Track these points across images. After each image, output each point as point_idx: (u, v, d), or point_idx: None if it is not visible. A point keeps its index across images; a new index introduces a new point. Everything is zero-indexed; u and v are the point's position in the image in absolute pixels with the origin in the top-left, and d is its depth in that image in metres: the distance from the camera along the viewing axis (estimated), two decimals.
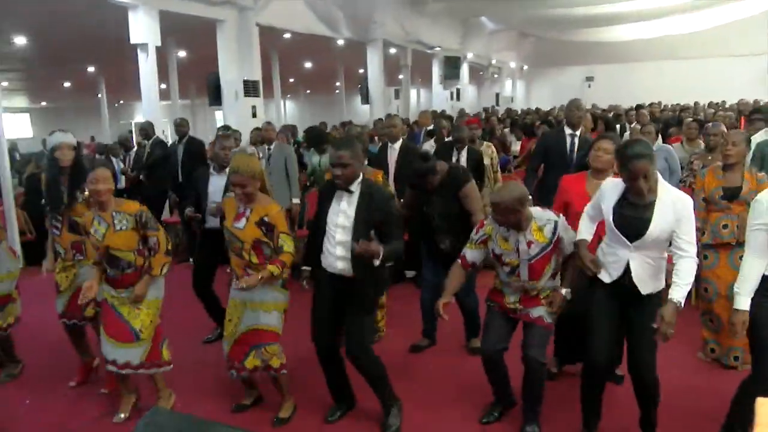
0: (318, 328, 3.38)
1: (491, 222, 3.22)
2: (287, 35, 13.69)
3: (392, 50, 17.22)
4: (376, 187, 3.40)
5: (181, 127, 7.40)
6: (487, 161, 6.07)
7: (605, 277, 2.98)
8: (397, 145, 5.80)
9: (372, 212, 3.21)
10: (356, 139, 3.61)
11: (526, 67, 28.12)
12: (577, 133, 5.17)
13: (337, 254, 3.27)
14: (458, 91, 19.57)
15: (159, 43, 9.25)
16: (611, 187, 2.96)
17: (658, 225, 2.78)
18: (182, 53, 14.62)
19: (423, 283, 4.47)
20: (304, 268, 3.50)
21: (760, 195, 2.87)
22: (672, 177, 5.45)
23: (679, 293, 2.75)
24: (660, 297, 2.96)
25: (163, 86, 13.91)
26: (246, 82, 10.57)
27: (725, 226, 3.93)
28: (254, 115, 10.38)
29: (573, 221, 3.23)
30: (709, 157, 4.94)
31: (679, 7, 19.05)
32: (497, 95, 24.61)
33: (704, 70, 23.41)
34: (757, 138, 5.32)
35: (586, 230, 3.11)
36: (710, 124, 5.58)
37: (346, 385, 3.54)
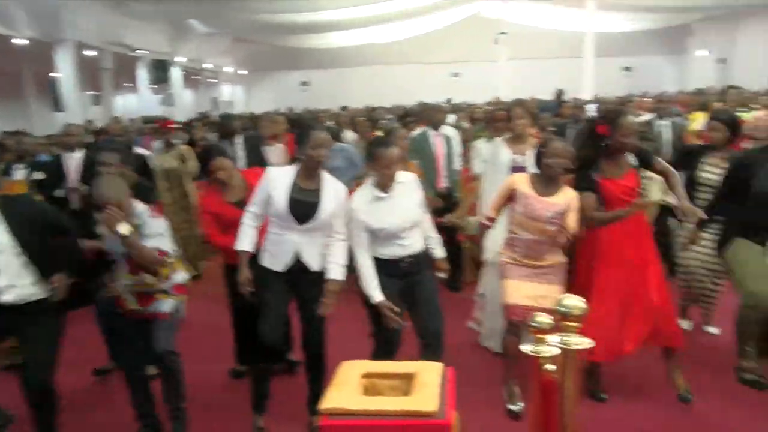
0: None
1: None
2: None
3: (90, 52, 15.79)
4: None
5: None
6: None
7: (277, 266, 3.13)
8: (78, 154, 5.33)
9: (24, 218, 2.97)
10: None
11: (245, 72, 28.19)
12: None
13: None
14: (170, 95, 18.77)
15: None
16: (281, 176, 3.13)
17: (325, 209, 3.07)
18: None
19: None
20: None
21: None
22: (351, 170, 5.92)
23: (338, 272, 3.12)
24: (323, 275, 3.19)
25: None
26: None
27: None
28: None
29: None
30: None
31: (383, 17, 20.85)
32: (214, 99, 24.21)
33: (401, 75, 25.97)
34: (413, 134, 6.01)
35: (249, 239, 3.17)
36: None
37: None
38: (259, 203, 3.15)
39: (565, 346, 1.79)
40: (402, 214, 3.15)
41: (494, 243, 3.80)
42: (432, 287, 3.31)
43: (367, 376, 2.34)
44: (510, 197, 3.37)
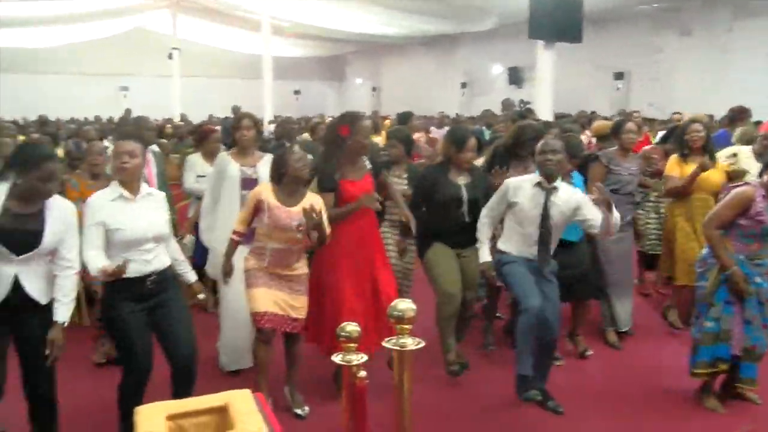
0: None
1: None
2: None
3: None
4: None
5: None
6: None
7: None
8: None
9: None
10: None
11: None
12: None
13: None
14: None
15: None
16: None
17: (50, 236, 2.70)
18: None
19: None
20: None
21: None
22: None
23: (64, 313, 2.74)
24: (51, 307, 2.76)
25: None
26: None
27: None
28: None
29: None
30: None
31: (36, 19, 18.27)
32: None
33: (61, 86, 23.06)
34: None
35: None
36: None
37: None
38: None
39: (401, 348, 1.88)
40: (148, 222, 2.96)
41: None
42: (180, 308, 3.12)
43: (171, 418, 2.08)
44: (257, 208, 3.38)
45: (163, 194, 3.19)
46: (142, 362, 2.96)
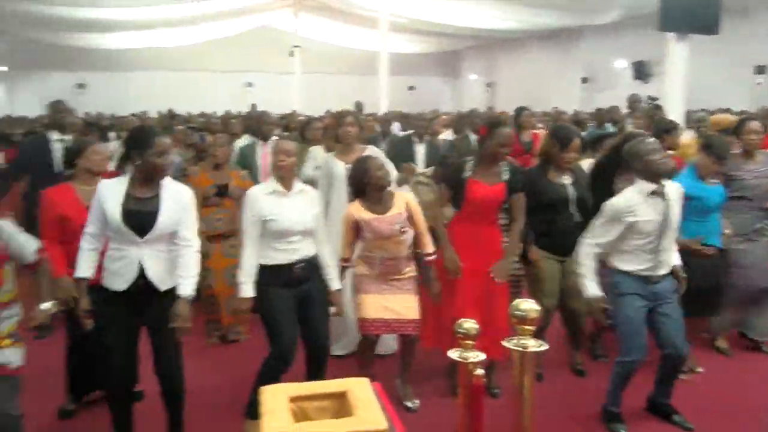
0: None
1: None
2: None
3: None
4: None
5: None
6: None
7: (120, 284, 2.82)
8: None
9: None
10: None
11: (4, 68, 24.54)
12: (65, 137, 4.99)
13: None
14: None
15: None
16: (112, 186, 2.85)
17: (165, 216, 2.82)
18: None
19: None
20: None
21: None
22: None
23: (188, 287, 2.83)
24: (174, 293, 2.89)
25: None
26: None
27: (219, 219, 4.42)
28: None
29: (73, 236, 3.04)
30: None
31: (168, 20, 19.68)
32: None
33: (191, 82, 24.71)
34: (240, 143, 5.79)
35: (87, 264, 2.90)
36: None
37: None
38: (96, 221, 2.85)
39: (522, 349, 1.85)
40: (298, 215, 3.19)
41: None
42: (322, 301, 3.30)
43: (293, 400, 2.17)
44: (355, 229, 3.44)
45: (315, 192, 3.39)
46: (287, 346, 3.11)
